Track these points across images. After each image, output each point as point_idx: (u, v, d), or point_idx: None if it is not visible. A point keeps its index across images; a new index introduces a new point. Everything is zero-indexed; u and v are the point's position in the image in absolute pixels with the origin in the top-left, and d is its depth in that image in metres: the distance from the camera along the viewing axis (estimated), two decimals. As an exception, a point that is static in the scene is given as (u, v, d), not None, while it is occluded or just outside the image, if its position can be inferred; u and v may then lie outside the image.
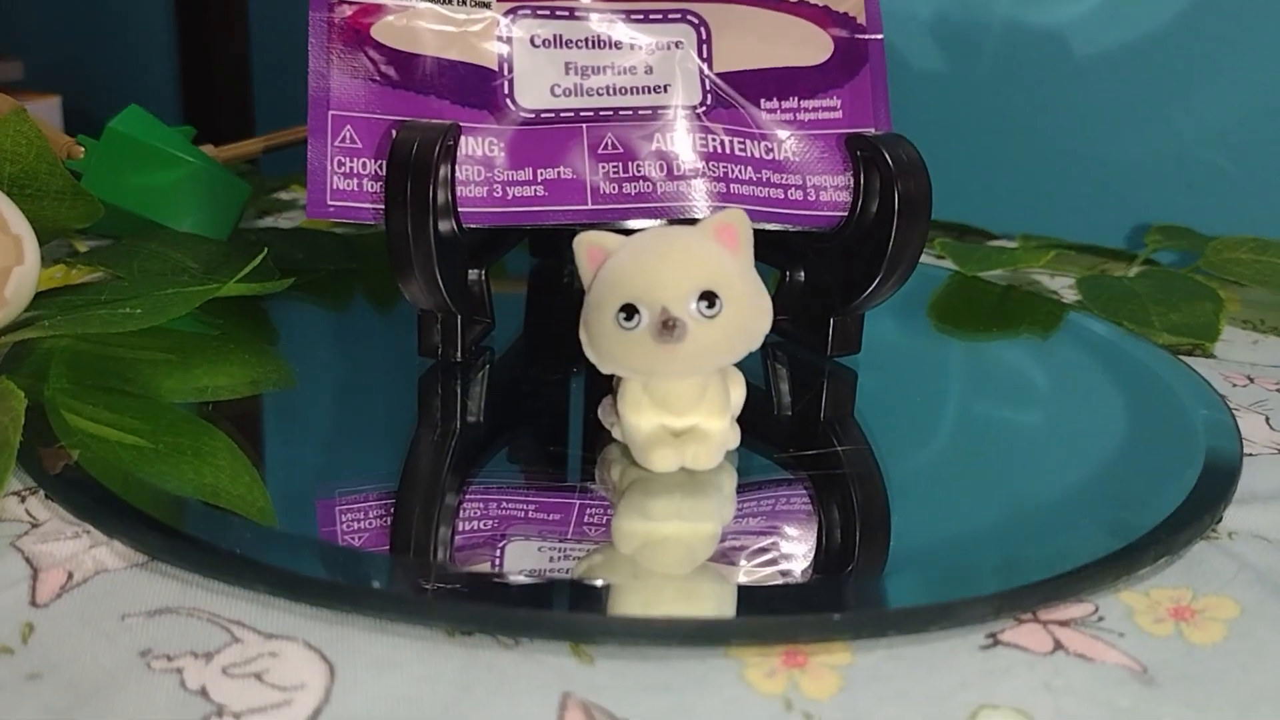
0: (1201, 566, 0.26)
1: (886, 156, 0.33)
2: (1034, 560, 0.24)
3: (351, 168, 0.34)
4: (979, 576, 0.24)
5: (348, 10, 0.35)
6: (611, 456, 0.30)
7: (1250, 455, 0.32)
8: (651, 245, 0.27)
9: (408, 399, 0.34)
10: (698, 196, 0.35)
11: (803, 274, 0.38)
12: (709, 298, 0.26)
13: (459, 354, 0.35)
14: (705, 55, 0.37)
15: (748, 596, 0.24)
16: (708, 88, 0.36)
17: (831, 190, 0.36)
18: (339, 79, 0.35)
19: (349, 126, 0.34)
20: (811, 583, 0.25)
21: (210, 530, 0.25)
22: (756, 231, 0.28)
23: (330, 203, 0.34)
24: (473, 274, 0.36)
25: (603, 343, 0.27)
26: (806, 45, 0.37)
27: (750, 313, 0.27)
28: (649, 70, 0.36)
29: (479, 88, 0.35)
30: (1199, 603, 0.24)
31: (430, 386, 0.34)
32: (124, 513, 0.25)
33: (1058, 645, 0.23)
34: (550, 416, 0.34)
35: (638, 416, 0.28)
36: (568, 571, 0.25)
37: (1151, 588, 0.25)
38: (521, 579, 0.24)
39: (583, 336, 0.28)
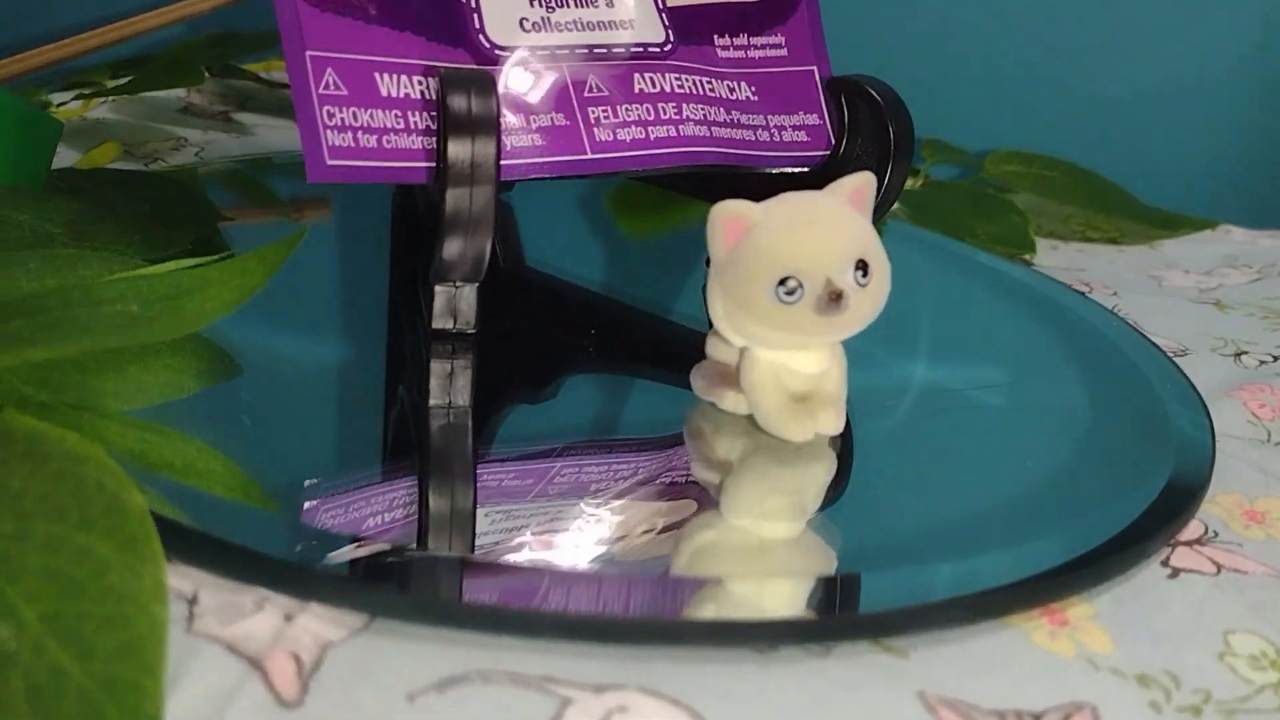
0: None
1: (876, 96, 0.34)
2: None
3: (343, 120, 0.29)
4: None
5: (301, -73, 0.30)
6: (704, 429, 0.29)
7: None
8: (803, 215, 0.26)
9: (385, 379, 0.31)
10: (687, 141, 0.34)
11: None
12: (863, 266, 0.26)
13: (474, 325, 0.31)
14: (658, -14, 0.35)
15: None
16: (665, 23, 0.35)
17: (791, 130, 0.36)
18: (309, 13, 0.29)
19: (331, 70, 0.29)
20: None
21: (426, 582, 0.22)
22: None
23: (330, 162, 0.29)
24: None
25: (754, 316, 0.26)
26: (749, -23, 0.37)
27: (887, 277, 0.27)
28: (610, 4, 0.34)
29: (449, 22, 0.32)
30: None
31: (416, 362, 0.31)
32: (301, 568, 0.21)
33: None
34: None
35: (769, 388, 0.27)
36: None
37: None
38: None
39: (716, 309, 0.27)
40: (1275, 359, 0.39)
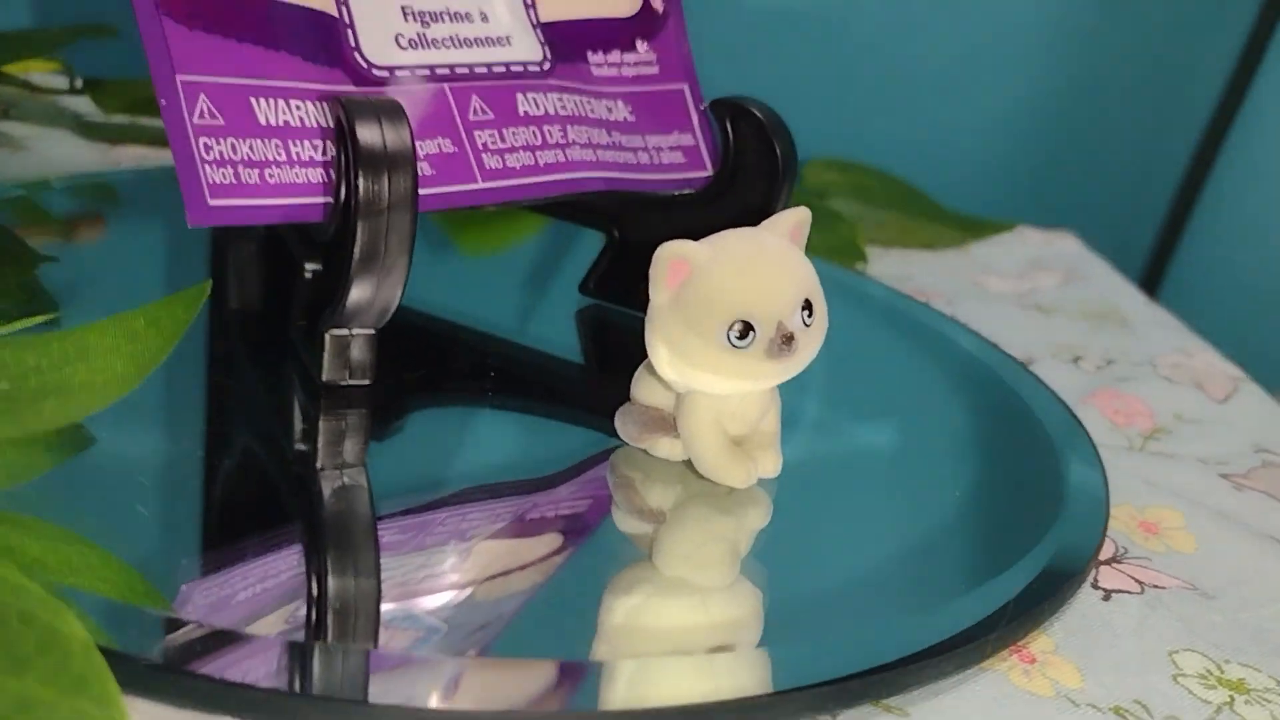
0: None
1: (760, 117, 0.33)
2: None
3: (221, 153, 0.26)
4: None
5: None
6: (633, 477, 0.28)
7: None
8: (747, 257, 0.25)
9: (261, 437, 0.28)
10: (575, 166, 0.32)
11: (619, 238, 0.36)
12: (809, 306, 0.25)
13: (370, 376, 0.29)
14: (530, 2, 0.33)
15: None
16: (541, 39, 0.33)
17: (668, 151, 0.35)
18: (176, 32, 0.26)
19: (204, 96, 0.26)
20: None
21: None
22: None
23: (212, 202, 0.25)
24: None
25: (703, 361, 0.25)
26: (618, -7, 0.35)
27: (825, 314, 0.26)
28: (484, 18, 0.32)
29: (325, 39, 0.29)
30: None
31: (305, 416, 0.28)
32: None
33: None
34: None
35: (711, 434, 0.26)
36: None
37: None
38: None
39: (660, 354, 0.25)
40: (1110, 362, 0.41)
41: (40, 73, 0.51)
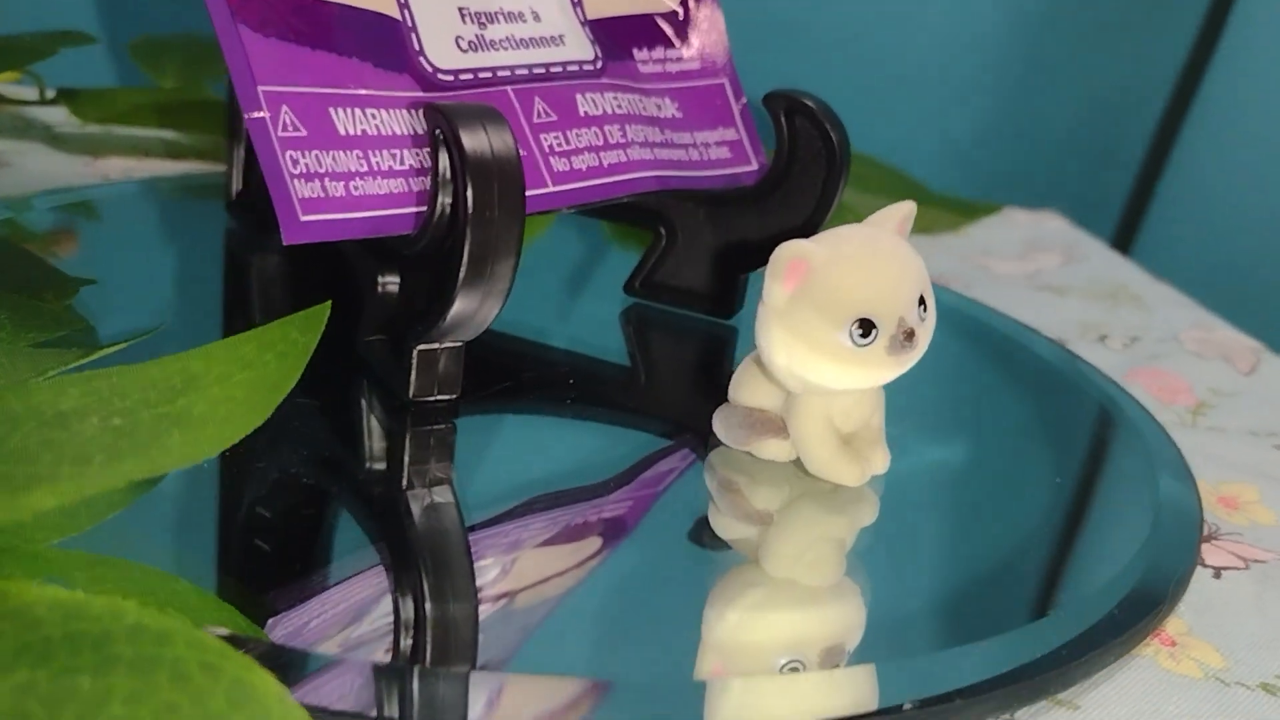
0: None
1: (814, 108, 0.33)
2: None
3: (307, 166, 0.25)
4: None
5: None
6: (737, 480, 0.27)
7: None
8: (865, 255, 0.25)
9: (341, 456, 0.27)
10: (636, 166, 0.32)
11: (667, 236, 0.36)
12: (923, 301, 0.25)
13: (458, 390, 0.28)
14: (576, 0, 0.32)
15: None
16: (590, 38, 0.32)
17: (715, 147, 0.35)
18: (253, 40, 0.24)
19: (286, 107, 0.25)
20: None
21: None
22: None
23: (304, 217, 0.24)
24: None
25: (824, 361, 0.24)
26: (660, -12, 0.35)
27: (934, 306, 0.26)
28: (536, 17, 0.31)
29: (390, 44, 0.28)
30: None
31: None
32: None
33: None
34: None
35: (826, 432, 0.26)
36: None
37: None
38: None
39: (778, 356, 0.25)
40: (1135, 339, 0.41)
41: (3, 83, 0.48)
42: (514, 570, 0.24)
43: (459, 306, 0.24)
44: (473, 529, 0.25)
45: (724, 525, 0.26)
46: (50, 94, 0.46)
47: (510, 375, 0.31)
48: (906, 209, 0.26)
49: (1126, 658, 0.23)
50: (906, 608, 0.24)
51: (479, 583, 0.23)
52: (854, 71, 0.62)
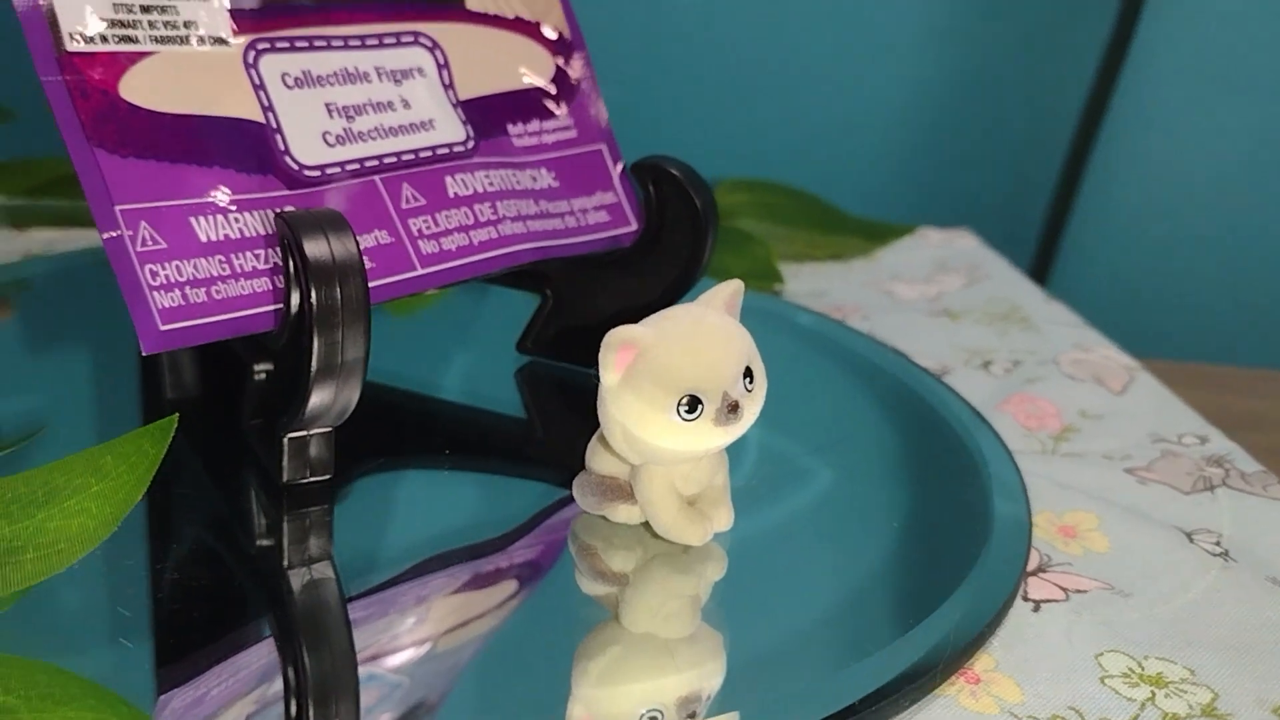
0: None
1: (678, 175, 0.35)
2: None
3: (167, 277, 0.27)
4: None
5: (88, 68, 0.27)
6: (593, 544, 0.29)
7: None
8: (689, 335, 0.27)
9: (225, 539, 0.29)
10: (508, 240, 0.34)
11: (554, 298, 0.38)
12: (749, 373, 0.27)
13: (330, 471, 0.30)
14: (448, 82, 0.34)
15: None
16: (462, 119, 0.34)
17: (593, 211, 0.37)
18: (110, 162, 0.27)
19: (144, 223, 0.27)
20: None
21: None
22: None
23: (164, 327, 0.26)
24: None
25: (658, 436, 0.27)
26: (532, 63, 0.37)
27: (764, 375, 0.28)
28: (406, 104, 0.33)
29: (255, 147, 0.30)
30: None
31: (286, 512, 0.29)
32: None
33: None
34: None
35: (668, 498, 0.28)
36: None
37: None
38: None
39: (615, 433, 0.27)
40: (1017, 363, 0.44)
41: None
42: (390, 635, 0.26)
43: (315, 400, 0.27)
44: (351, 600, 0.27)
45: (587, 584, 0.29)
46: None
47: (393, 442, 0.33)
48: (734, 287, 0.28)
49: (930, 699, 0.25)
50: (752, 654, 0.26)
51: (359, 651, 0.25)
52: (772, 99, 0.64)
